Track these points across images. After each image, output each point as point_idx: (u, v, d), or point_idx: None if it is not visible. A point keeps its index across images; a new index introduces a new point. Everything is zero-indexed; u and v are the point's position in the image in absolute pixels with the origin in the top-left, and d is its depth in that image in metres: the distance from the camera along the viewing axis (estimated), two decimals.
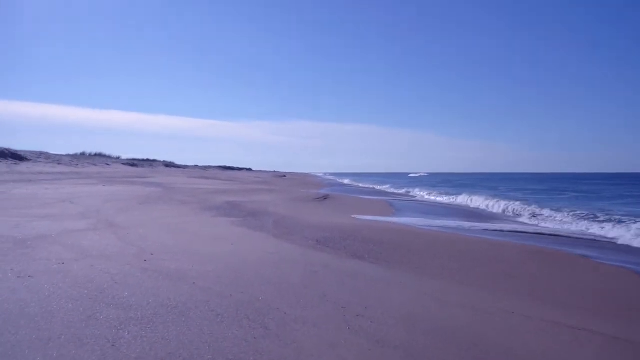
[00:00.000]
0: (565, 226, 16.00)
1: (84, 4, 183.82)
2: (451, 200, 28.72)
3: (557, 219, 17.52)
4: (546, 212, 19.37)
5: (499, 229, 14.43)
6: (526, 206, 21.61)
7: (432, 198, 30.89)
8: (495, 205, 22.99)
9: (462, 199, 28.12)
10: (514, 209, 21.18)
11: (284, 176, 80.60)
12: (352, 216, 15.92)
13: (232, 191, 24.43)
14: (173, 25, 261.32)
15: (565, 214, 18.36)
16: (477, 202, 25.77)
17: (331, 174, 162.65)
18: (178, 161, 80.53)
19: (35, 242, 7.12)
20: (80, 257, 6.23)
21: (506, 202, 25.76)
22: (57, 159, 38.59)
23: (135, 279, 5.16)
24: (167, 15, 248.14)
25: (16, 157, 33.25)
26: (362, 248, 9.27)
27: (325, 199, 23.29)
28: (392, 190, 43.70)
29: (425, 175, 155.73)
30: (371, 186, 54.85)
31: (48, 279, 4.97)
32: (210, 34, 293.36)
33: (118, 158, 61.59)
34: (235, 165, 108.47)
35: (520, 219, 18.22)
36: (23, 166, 30.14)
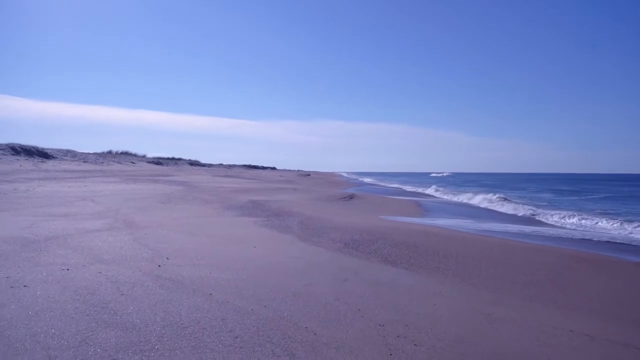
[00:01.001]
0: (607, 230, 14.96)
1: (115, 7, 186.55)
2: (479, 200, 27.66)
3: (594, 221, 16.43)
4: (581, 214, 18.31)
5: (535, 232, 13.53)
6: (559, 209, 20.57)
7: (459, 199, 29.83)
8: (527, 206, 21.95)
9: (491, 200, 27.10)
10: (546, 211, 20.13)
11: (308, 175, 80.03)
12: (381, 217, 15.20)
13: (255, 190, 23.93)
14: (201, 25, 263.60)
15: (603, 215, 17.28)
16: (507, 202, 24.75)
17: (353, 173, 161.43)
18: (203, 160, 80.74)
19: (44, 244, 6.63)
20: (89, 261, 5.69)
21: (538, 203, 24.73)
22: (82, 157, 38.68)
23: (145, 290, 4.56)
24: (196, 16, 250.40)
25: (43, 154, 33.39)
26: (394, 252, 8.58)
27: (351, 198, 22.59)
28: (418, 190, 42.69)
29: (447, 175, 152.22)
30: (395, 185, 53.89)
31: (45, 289, 4.41)
32: (238, 33, 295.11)
33: (144, 156, 61.86)
34: (260, 164, 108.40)
35: (554, 221, 17.14)
36: (49, 164, 30.18)
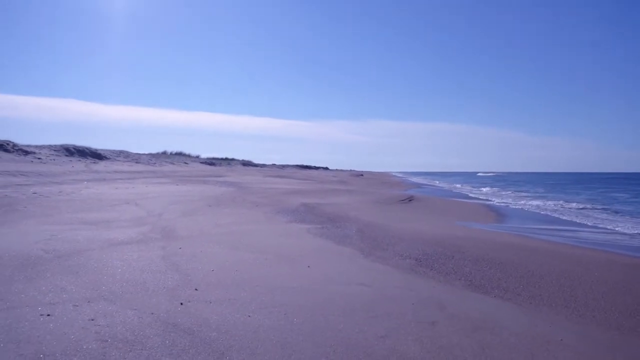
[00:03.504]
0: None
1: (169, 8, 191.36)
2: (551, 204, 25.10)
3: None
4: None
5: None
6: None
7: (527, 202, 27.23)
8: (617, 214, 19.37)
9: (566, 203, 24.58)
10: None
11: (361, 175, 78.21)
12: (448, 223, 13.41)
13: (308, 191, 22.57)
14: (254, 28, 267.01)
15: None
16: (582, 206, 22.24)
17: (403, 173, 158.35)
18: (257, 160, 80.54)
19: (48, 266, 5.36)
20: (90, 296, 4.30)
21: (626, 209, 22.08)
22: (135, 158, 38.61)
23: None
24: (248, 19, 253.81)
25: (96, 155, 33.38)
26: (478, 273, 6.92)
27: (410, 200, 20.84)
28: (474, 190, 40.15)
29: (495, 175, 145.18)
30: (448, 185, 51.41)
31: None
32: (289, 34, 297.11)
33: (197, 157, 62.05)
34: (312, 164, 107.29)
35: None
36: (101, 165, 30.01)
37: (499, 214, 17.98)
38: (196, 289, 4.75)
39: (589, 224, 15.38)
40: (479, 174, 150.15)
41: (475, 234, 11.17)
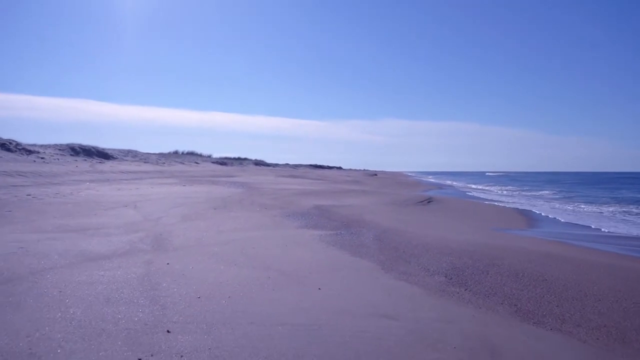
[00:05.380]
0: None
1: (181, 7, 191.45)
2: (576, 206, 23.65)
3: None
4: None
5: None
6: None
7: (555, 204, 25.80)
8: None
9: (595, 204, 23.10)
10: None
11: (375, 175, 76.82)
12: (476, 229, 12.16)
13: (321, 192, 21.40)
14: (269, 29, 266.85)
15: None
16: (627, 211, 20.77)
17: (416, 173, 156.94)
18: (270, 160, 79.69)
19: None
20: (7, 355, 3.15)
21: None
22: (144, 158, 37.66)
23: None
24: (265, 19, 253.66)
25: (102, 155, 32.46)
26: (522, 293, 5.75)
27: (428, 202, 19.58)
28: (494, 192, 38.69)
29: (503, 174, 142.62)
30: (465, 185, 50.03)
31: None
32: (303, 35, 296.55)
33: (209, 156, 61.26)
34: (325, 164, 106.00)
35: None
36: (107, 165, 29.11)
37: (527, 217, 16.62)
38: (168, 331, 3.57)
39: (632, 230, 14.00)
40: (487, 174, 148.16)
41: (506, 242, 9.93)
